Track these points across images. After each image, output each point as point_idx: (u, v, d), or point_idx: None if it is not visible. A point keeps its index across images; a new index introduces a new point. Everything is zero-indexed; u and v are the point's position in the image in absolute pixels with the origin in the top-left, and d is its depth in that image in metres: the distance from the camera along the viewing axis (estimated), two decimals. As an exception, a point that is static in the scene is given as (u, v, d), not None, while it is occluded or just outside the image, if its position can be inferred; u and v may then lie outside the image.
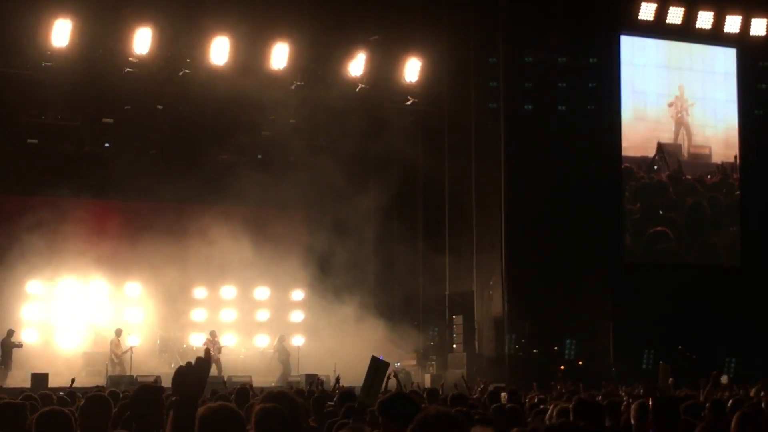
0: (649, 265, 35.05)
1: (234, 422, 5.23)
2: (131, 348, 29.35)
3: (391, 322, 33.35)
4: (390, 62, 32.80)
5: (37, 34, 28.57)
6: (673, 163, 37.12)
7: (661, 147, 37.16)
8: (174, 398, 4.22)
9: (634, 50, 36.60)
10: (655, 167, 36.82)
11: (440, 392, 15.42)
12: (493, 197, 33.72)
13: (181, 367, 4.20)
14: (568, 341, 33.82)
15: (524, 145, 33.25)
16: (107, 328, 31.12)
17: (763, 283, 34.77)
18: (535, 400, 13.54)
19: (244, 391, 13.02)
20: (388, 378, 13.08)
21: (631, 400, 12.21)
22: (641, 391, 17.20)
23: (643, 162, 36.81)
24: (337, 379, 16.17)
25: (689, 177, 37.26)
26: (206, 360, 4.25)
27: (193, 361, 4.58)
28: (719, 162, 38.10)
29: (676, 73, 37.56)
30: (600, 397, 13.81)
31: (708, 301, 33.94)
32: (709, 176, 37.63)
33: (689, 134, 37.74)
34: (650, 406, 8.02)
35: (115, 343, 29.27)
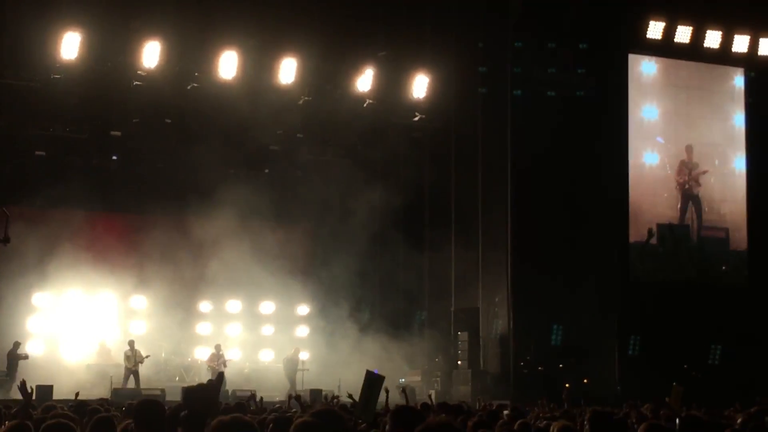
0: (655, 282, 34.77)
1: None
2: (136, 358, 29.17)
3: (396, 337, 33.30)
4: (398, 78, 32.85)
5: (46, 47, 28.66)
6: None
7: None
8: (184, 413, 4.19)
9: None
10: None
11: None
12: (500, 214, 33.67)
13: (191, 385, 4.20)
14: (572, 359, 33.71)
15: (532, 163, 33.19)
16: (112, 341, 31.17)
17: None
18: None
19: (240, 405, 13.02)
20: (387, 391, 13.09)
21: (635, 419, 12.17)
22: (648, 411, 17.09)
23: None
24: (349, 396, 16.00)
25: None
26: (218, 381, 4.25)
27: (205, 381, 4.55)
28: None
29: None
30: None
31: (713, 319, 33.78)
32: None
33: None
34: (678, 427, 7.90)
35: (127, 356, 29.20)
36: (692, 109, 34.16)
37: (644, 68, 34.90)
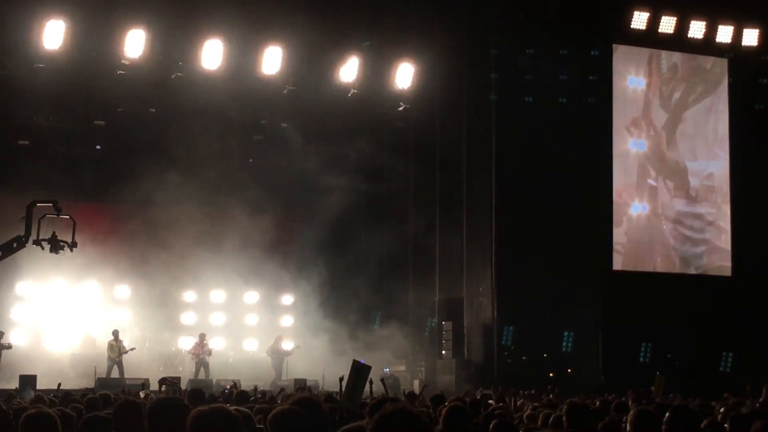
0: (638, 272, 34.83)
1: (229, 425, 5.08)
2: (120, 349, 29.12)
3: (381, 327, 33.33)
4: (382, 68, 32.79)
5: (29, 36, 28.50)
6: None
7: None
8: None
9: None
10: None
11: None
12: (484, 204, 33.70)
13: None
14: (556, 349, 33.80)
15: (515, 153, 33.22)
16: (96, 331, 31.10)
17: (753, 292, 34.75)
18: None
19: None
20: (371, 382, 13.08)
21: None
22: (630, 399, 17.18)
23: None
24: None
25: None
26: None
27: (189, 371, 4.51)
28: None
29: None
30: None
31: (696, 309, 33.88)
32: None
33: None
34: (668, 416, 7.72)
35: (111, 346, 29.15)
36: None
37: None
